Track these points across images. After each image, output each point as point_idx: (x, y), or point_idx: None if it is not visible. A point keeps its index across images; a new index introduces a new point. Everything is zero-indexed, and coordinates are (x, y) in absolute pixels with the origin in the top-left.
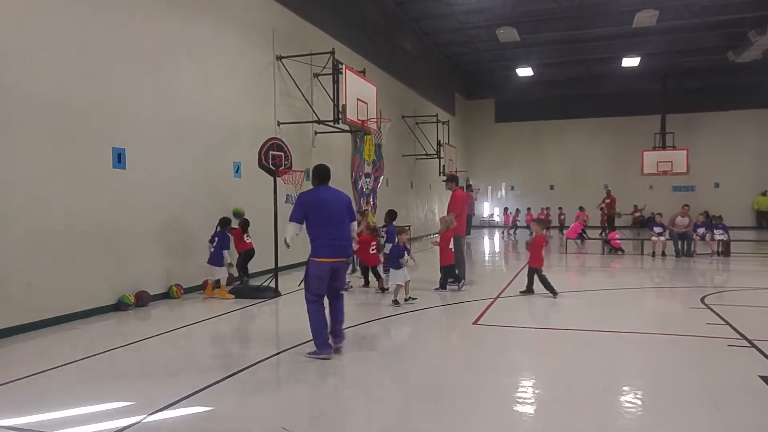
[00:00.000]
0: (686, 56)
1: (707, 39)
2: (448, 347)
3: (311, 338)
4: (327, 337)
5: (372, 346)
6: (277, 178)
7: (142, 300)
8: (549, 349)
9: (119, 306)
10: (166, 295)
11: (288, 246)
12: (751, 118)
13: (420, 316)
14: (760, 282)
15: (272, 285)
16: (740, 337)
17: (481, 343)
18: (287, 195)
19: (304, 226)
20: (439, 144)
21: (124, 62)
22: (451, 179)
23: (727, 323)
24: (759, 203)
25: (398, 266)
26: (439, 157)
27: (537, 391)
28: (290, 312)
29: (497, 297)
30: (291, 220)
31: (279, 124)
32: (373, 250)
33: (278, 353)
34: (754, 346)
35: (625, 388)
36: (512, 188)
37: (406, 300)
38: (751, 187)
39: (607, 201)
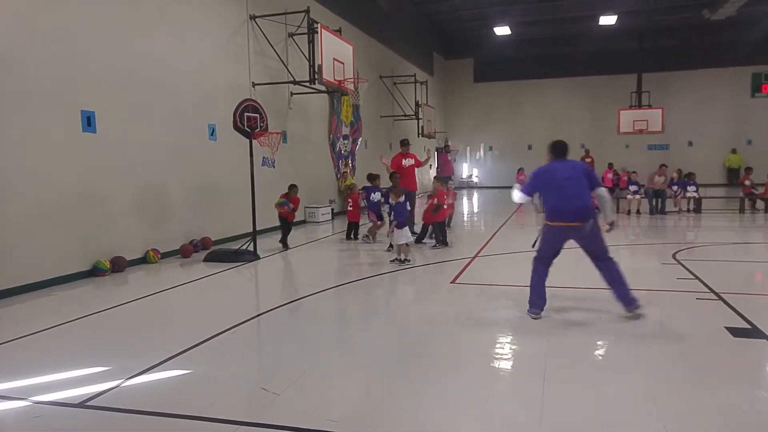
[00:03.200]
0: (662, 14)
1: None
2: (428, 305)
3: (290, 300)
4: (539, 296)
5: (355, 305)
6: (253, 141)
7: (119, 265)
8: (525, 306)
9: (95, 272)
10: (143, 260)
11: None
12: (725, 76)
13: (400, 275)
14: (728, 237)
15: (251, 248)
16: (708, 291)
17: (460, 300)
18: (263, 157)
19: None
20: (417, 105)
21: (89, 21)
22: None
23: (697, 278)
24: (730, 161)
25: (400, 226)
26: (418, 118)
27: (514, 347)
28: (269, 275)
29: (475, 256)
30: (522, 191)
31: (254, 85)
32: (350, 207)
33: (258, 315)
34: (721, 298)
35: (599, 342)
36: (491, 148)
37: (401, 261)
38: (723, 145)
39: (587, 160)
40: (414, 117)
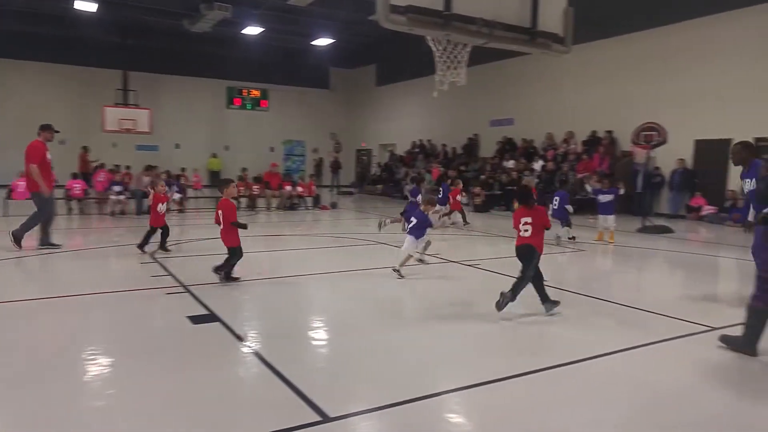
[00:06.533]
0: (146, 14)
1: (166, 2)
2: None
3: None
4: None
5: None
6: None
7: None
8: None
9: None
10: None
11: None
12: (207, 85)
13: None
14: (204, 234)
15: None
16: (179, 285)
17: None
18: None
19: None
20: None
21: None
22: None
23: (170, 273)
24: (211, 164)
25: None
26: None
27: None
28: None
29: None
30: None
31: None
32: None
33: None
34: (188, 291)
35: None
36: None
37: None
38: (207, 149)
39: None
40: None
